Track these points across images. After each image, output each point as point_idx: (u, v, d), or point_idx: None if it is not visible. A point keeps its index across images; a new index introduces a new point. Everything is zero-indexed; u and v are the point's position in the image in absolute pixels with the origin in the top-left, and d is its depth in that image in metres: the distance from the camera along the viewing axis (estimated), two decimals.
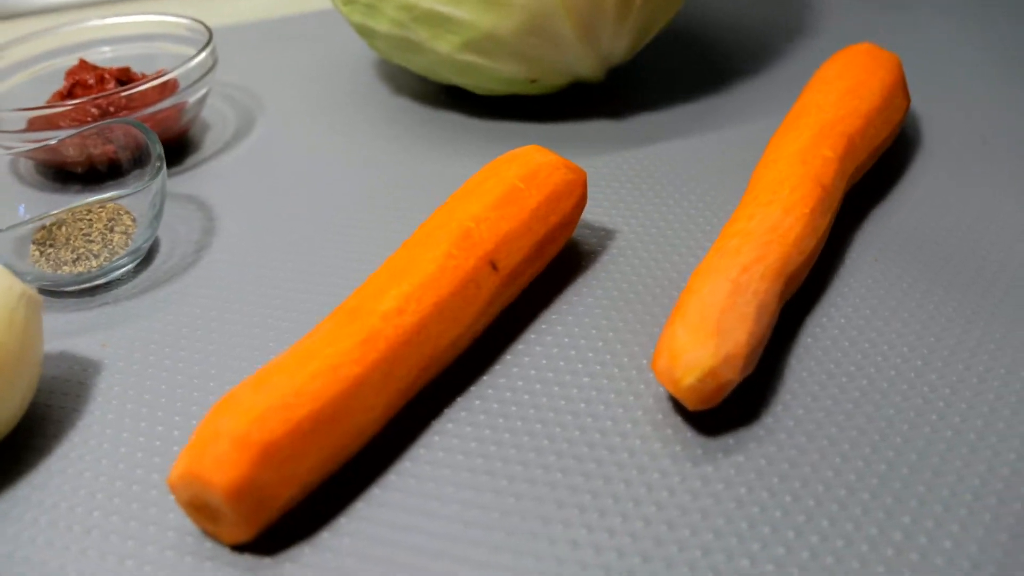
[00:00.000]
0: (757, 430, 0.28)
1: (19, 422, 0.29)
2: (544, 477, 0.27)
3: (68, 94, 0.43)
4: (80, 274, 0.35)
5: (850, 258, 0.35)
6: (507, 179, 0.32)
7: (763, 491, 0.26)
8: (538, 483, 0.26)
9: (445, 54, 0.42)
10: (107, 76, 0.43)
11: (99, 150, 0.40)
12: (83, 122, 0.41)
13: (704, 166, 0.42)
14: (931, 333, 0.31)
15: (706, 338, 0.26)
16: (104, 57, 0.49)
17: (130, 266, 0.37)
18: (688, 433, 0.28)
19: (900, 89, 0.40)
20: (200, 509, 0.24)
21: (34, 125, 0.42)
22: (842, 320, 0.32)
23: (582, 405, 0.29)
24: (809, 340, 0.31)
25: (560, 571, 0.24)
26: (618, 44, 0.43)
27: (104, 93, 0.41)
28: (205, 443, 0.23)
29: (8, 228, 0.33)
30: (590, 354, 0.31)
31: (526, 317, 0.33)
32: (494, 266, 0.30)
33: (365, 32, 0.45)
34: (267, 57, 0.56)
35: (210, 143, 0.47)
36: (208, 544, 0.25)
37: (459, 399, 0.29)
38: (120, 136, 0.39)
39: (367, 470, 0.27)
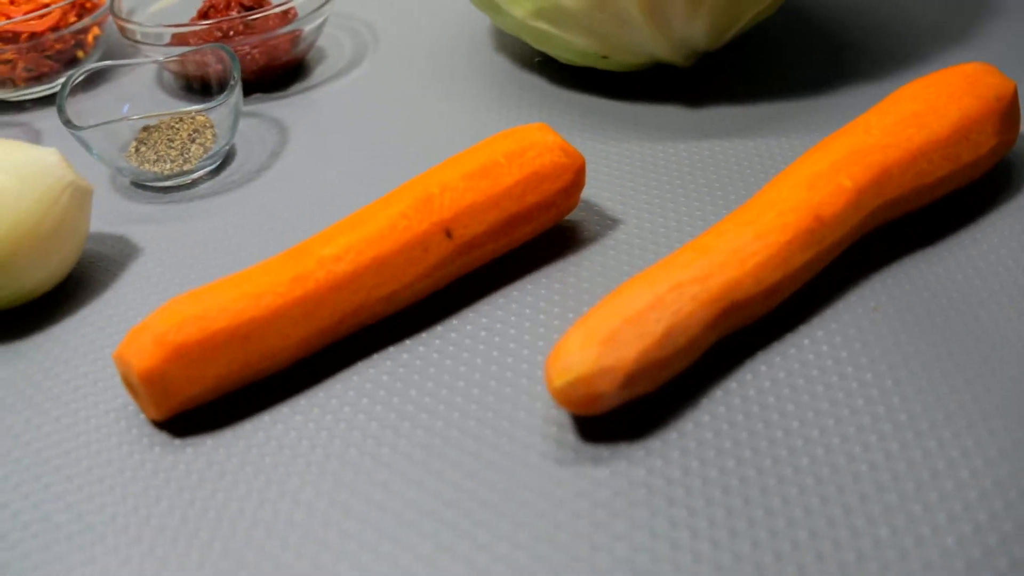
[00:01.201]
0: (636, 449, 0.27)
1: (56, 285, 0.36)
2: (419, 456, 0.29)
3: (205, 15, 0.50)
4: (158, 173, 0.41)
5: (847, 301, 0.32)
6: (491, 152, 0.33)
7: (634, 505, 0.26)
8: (413, 460, 0.29)
9: (520, 18, 0.43)
10: (234, 2, 0.49)
11: (211, 69, 0.46)
12: (206, 41, 0.47)
13: (756, 171, 0.40)
14: (882, 403, 0.28)
15: (591, 345, 0.26)
16: None
17: (204, 171, 0.43)
18: (569, 436, 0.28)
19: (991, 122, 0.35)
20: (129, 386, 0.29)
21: (173, 40, 0.48)
22: (795, 364, 0.30)
23: (476, 391, 0.30)
24: (748, 376, 0.30)
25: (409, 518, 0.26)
26: (694, 30, 0.41)
27: (225, 18, 0.47)
28: (136, 334, 0.28)
29: (99, 124, 0.40)
30: (512, 345, 0.32)
31: (480, 291, 0.34)
32: (449, 234, 0.31)
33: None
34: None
35: (320, 72, 0.51)
36: (139, 416, 0.30)
37: (376, 356, 0.32)
38: (224, 58, 0.45)
39: (278, 392, 0.30)
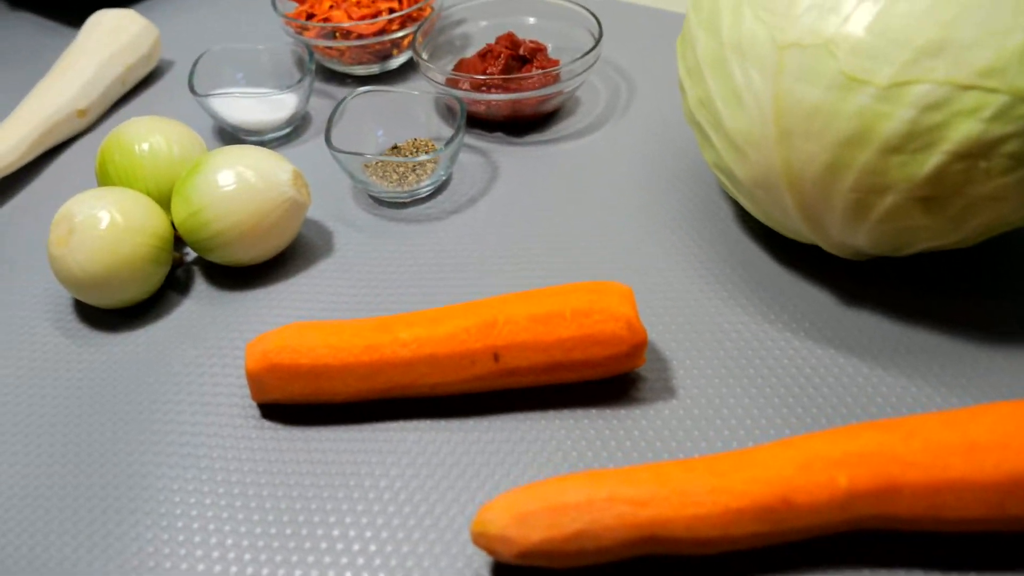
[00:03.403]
0: None
1: (263, 262, 0.48)
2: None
3: (482, 56, 0.58)
4: (389, 191, 0.52)
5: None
6: (563, 302, 0.38)
7: None
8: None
9: (709, 160, 0.45)
10: (503, 52, 0.56)
11: (455, 110, 0.55)
12: (474, 85, 0.56)
13: (860, 404, 0.39)
14: None
15: (507, 515, 0.32)
16: (527, 25, 0.63)
17: (413, 198, 0.52)
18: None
19: None
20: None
21: (449, 79, 0.57)
22: None
23: (447, 490, 0.37)
24: None
25: None
26: (855, 241, 0.41)
27: (483, 75, 0.55)
28: (259, 341, 0.39)
29: (350, 153, 0.51)
30: (507, 465, 0.38)
31: (516, 404, 0.40)
32: (496, 357, 0.38)
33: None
34: (649, 44, 0.62)
35: (558, 128, 0.58)
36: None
37: (413, 421, 0.40)
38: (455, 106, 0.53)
39: (334, 415, 0.40)
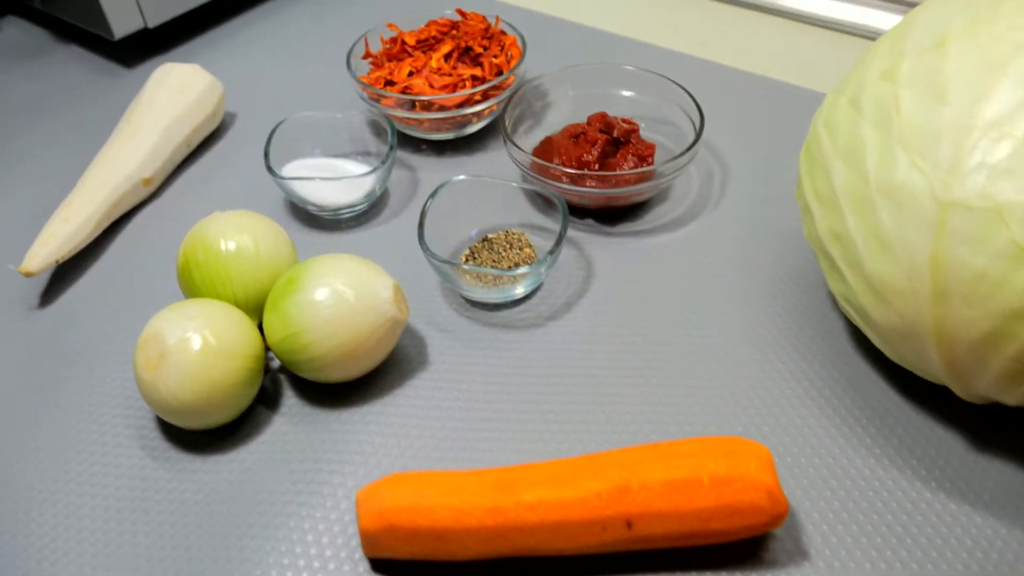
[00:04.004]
0: None
1: (356, 379, 0.46)
2: None
3: (574, 139, 0.55)
4: (482, 294, 0.49)
5: None
6: (700, 467, 0.36)
7: None
8: None
9: (836, 291, 0.43)
10: (599, 139, 0.53)
11: (551, 201, 0.52)
12: (566, 167, 0.53)
13: (980, 565, 0.37)
14: None
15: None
16: (616, 96, 0.59)
17: (518, 295, 0.50)
18: None
19: None
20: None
21: (539, 167, 0.54)
22: None
23: None
24: None
25: None
26: (1000, 397, 0.38)
27: (577, 169, 0.52)
28: (370, 495, 0.37)
29: (444, 263, 0.48)
30: None
31: (642, 565, 0.38)
32: (629, 525, 0.36)
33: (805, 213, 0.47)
34: (738, 110, 0.59)
35: (650, 217, 0.55)
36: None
37: None
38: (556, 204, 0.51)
39: (453, 571, 0.38)
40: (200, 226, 0.47)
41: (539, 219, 0.54)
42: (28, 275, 0.50)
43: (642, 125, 0.58)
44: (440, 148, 0.62)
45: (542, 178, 0.53)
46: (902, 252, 0.37)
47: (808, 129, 0.61)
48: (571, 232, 0.54)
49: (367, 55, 0.63)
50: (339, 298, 0.42)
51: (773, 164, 0.59)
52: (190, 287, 0.46)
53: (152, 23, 0.71)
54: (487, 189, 0.52)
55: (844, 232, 0.40)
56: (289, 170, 0.56)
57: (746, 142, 0.61)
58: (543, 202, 0.53)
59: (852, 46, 0.71)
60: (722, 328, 0.48)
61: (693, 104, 0.56)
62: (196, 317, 0.42)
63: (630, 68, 0.59)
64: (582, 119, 0.58)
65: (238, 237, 0.46)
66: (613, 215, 0.55)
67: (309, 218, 0.57)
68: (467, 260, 0.51)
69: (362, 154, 0.59)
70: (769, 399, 0.44)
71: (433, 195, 0.50)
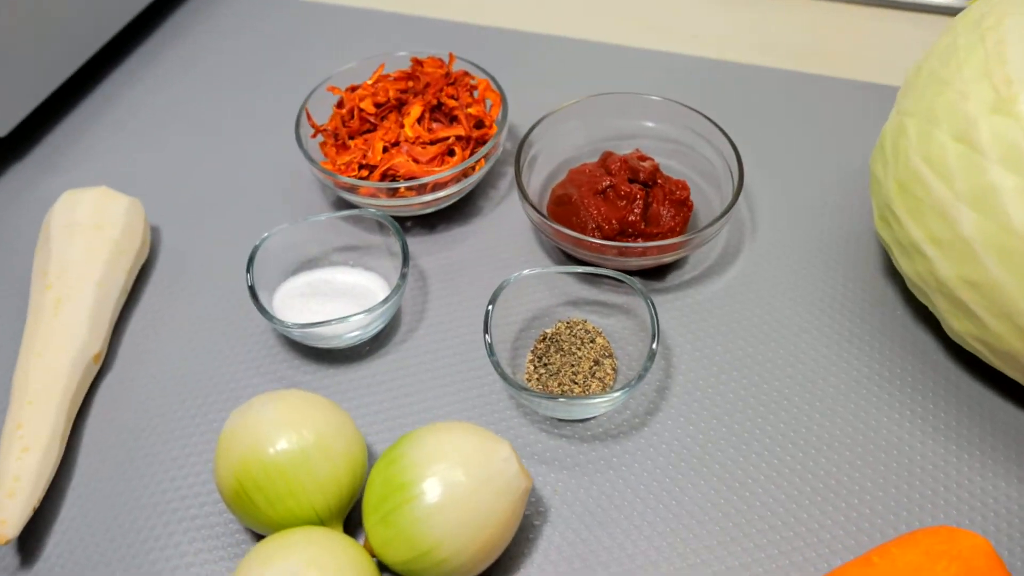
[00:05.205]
0: None
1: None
2: None
3: (602, 195, 0.48)
4: (553, 401, 0.42)
5: None
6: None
7: None
8: None
9: (961, 331, 0.40)
10: (638, 194, 0.47)
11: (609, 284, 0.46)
12: (608, 237, 0.47)
13: None
14: None
15: None
16: (645, 131, 0.53)
17: (600, 413, 0.43)
18: None
19: None
20: None
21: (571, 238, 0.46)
22: None
23: None
24: None
25: None
26: None
27: (617, 243, 0.45)
28: None
29: (541, 396, 0.41)
30: None
31: None
32: None
33: (890, 250, 0.44)
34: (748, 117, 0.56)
35: (692, 263, 0.50)
36: None
37: None
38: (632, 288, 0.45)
39: None
40: (235, 437, 0.37)
41: (585, 291, 0.48)
42: (6, 543, 0.38)
43: (659, 159, 0.52)
44: (428, 221, 0.53)
45: (578, 250, 0.46)
46: None
47: (822, 116, 0.58)
48: (621, 297, 0.48)
49: (316, 131, 0.52)
50: (466, 492, 0.35)
51: (792, 162, 0.55)
52: (252, 515, 0.36)
53: (3, 131, 0.56)
54: (536, 277, 0.46)
55: (986, 281, 0.37)
56: (283, 303, 0.46)
57: (757, 141, 0.57)
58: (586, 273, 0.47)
59: (849, 16, 0.68)
60: (826, 373, 0.45)
61: (705, 119, 0.51)
62: (293, 556, 0.33)
63: (625, 93, 0.53)
64: (579, 161, 0.52)
65: (290, 434, 0.37)
66: (660, 269, 0.50)
67: (312, 352, 0.47)
68: (536, 368, 0.44)
69: (350, 250, 0.49)
70: (914, 454, 0.42)
71: (494, 299, 0.43)
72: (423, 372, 0.46)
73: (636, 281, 0.44)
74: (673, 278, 0.50)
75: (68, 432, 0.43)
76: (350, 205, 0.54)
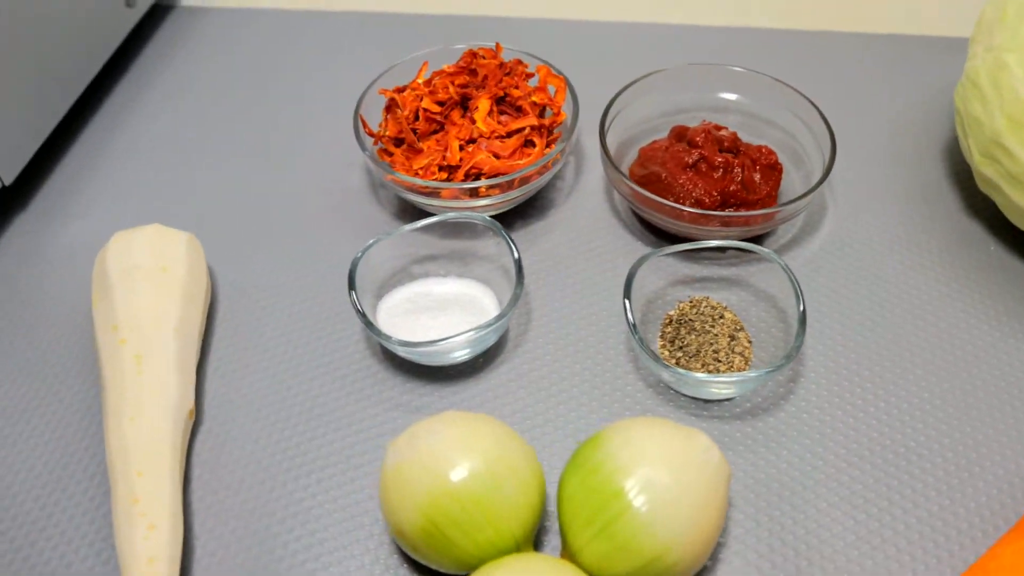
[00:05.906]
0: None
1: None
2: None
3: (689, 167, 0.47)
4: (732, 378, 0.39)
5: None
6: None
7: None
8: None
9: None
10: (728, 159, 0.46)
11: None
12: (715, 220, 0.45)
13: None
14: None
15: None
16: (723, 104, 0.52)
17: (731, 395, 0.41)
18: None
19: None
20: None
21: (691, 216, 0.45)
22: None
23: None
24: None
25: None
26: None
27: (720, 211, 0.44)
28: None
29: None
30: None
31: None
32: None
33: (990, 188, 0.44)
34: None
35: (781, 233, 0.50)
36: None
37: None
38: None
39: None
40: (410, 472, 0.33)
41: (687, 269, 0.46)
42: None
43: (730, 125, 0.51)
44: (503, 221, 0.50)
45: (680, 224, 0.45)
46: None
47: (872, 77, 0.58)
48: (727, 270, 0.47)
49: (376, 138, 0.48)
50: (679, 490, 0.32)
51: (854, 120, 0.55)
52: (448, 553, 0.33)
53: (8, 179, 0.50)
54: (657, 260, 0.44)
55: None
56: (389, 322, 0.42)
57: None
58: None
59: None
60: (948, 316, 0.45)
61: (777, 83, 0.50)
62: None
63: (694, 65, 0.52)
64: (641, 141, 0.51)
65: (473, 458, 0.33)
66: (755, 238, 0.49)
67: (418, 371, 0.44)
68: (671, 353, 0.42)
69: (437, 259, 0.46)
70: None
71: (628, 291, 0.40)
72: (546, 377, 0.43)
73: (768, 251, 0.43)
74: (769, 244, 0.49)
75: (182, 497, 0.38)
76: (416, 214, 0.50)
